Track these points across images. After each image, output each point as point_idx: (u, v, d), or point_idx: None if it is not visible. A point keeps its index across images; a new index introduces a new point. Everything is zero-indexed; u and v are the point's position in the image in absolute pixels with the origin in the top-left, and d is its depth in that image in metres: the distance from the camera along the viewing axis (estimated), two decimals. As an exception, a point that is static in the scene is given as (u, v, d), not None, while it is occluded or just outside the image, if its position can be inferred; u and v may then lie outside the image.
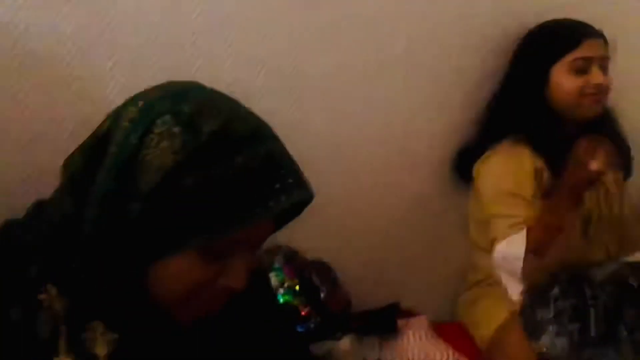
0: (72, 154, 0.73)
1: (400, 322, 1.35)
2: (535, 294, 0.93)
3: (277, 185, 0.69)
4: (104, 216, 0.67)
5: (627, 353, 0.88)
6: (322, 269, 1.35)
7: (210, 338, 0.80)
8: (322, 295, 1.27)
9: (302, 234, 1.31)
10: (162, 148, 0.66)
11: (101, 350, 0.72)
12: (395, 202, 1.55)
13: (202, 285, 0.71)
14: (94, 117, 0.74)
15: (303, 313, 1.23)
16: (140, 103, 0.70)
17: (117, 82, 1.21)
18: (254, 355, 0.84)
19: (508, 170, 1.46)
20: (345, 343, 1.21)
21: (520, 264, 1.10)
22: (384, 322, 1.32)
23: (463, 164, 1.58)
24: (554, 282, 0.91)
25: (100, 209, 0.67)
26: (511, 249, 1.32)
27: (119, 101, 0.74)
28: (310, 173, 0.76)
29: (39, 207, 0.75)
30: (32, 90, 1.15)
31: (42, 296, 0.71)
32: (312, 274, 1.30)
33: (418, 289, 1.54)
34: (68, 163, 0.73)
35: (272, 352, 0.87)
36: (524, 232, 1.28)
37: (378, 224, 1.53)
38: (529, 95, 1.48)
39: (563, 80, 1.44)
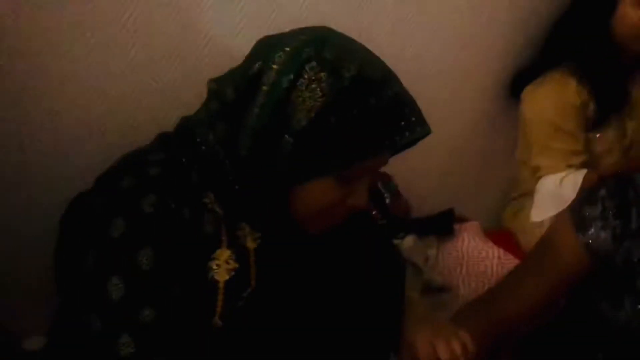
0: (219, 81, 0.86)
1: (455, 226, 1.49)
2: (585, 194, 1.05)
3: (402, 123, 0.82)
4: (258, 146, 0.80)
5: None
6: (385, 177, 1.49)
7: (328, 244, 0.94)
8: (386, 200, 1.42)
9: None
10: (311, 91, 0.78)
11: (251, 244, 0.88)
12: (453, 116, 1.63)
13: (334, 205, 0.85)
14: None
15: (372, 214, 1.39)
16: (287, 49, 0.80)
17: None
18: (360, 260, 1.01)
19: (552, 102, 1.51)
20: (408, 241, 1.37)
21: (565, 205, 1.11)
22: (441, 225, 1.46)
23: (517, 86, 1.64)
24: (602, 185, 1.03)
25: (255, 139, 0.80)
26: (561, 190, 1.42)
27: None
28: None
29: (186, 124, 0.88)
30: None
31: (205, 200, 0.85)
32: (378, 181, 1.44)
33: (471, 199, 1.68)
34: (217, 90, 0.85)
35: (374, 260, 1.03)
36: (579, 176, 1.37)
37: (437, 137, 1.64)
38: (593, 23, 1.48)
39: (629, 11, 1.44)
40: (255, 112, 0.79)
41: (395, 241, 1.36)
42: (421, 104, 0.87)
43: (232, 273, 0.84)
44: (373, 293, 1.01)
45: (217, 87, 0.86)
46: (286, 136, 0.78)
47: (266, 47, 0.84)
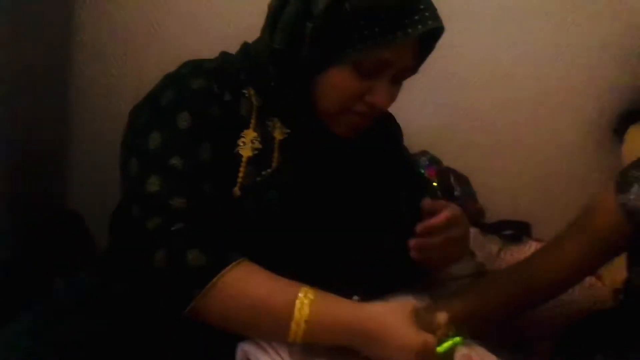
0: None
1: (525, 238, 1.46)
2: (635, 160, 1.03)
3: (416, 17, 0.89)
4: (288, 35, 0.91)
5: None
6: (461, 176, 1.52)
7: (353, 154, 1.02)
8: (455, 193, 1.45)
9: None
10: None
11: (278, 134, 0.98)
12: (547, 143, 1.67)
13: (353, 98, 0.93)
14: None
15: (437, 202, 1.42)
16: None
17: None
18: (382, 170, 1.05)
19: None
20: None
21: None
22: (510, 229, 1.45)
23: (622, 125, 1.61)
24: None
25: (286, 30, 0.91)
26: None
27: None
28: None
29: (245, 44, 1.03)
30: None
31: (244, 91, 0.98)
32: (451, 176, 1.48)
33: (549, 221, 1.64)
34: (270, 3, 0.97)
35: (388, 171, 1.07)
36: None
37: (529, 157, 1.67)
38: None
39: None
40: (288, 9, 0.91)
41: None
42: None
43: (256, 152, 0.94)
44: (387, 202, 1.04)
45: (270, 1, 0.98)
46: (308, 23, 0.89)
47: None
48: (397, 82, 0.96)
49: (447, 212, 0.93)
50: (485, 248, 1.35)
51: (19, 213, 1.24)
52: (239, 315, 0.84)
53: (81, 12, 1.47)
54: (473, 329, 0.95)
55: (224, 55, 1.03)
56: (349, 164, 1.02)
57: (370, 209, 1.02)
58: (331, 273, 0.91)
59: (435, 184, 1.45)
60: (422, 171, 1.46)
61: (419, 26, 0.88)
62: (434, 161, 1.50)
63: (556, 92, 1.65)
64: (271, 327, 0.83)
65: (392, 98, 0.97)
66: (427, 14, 0.90)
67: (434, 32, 0.93)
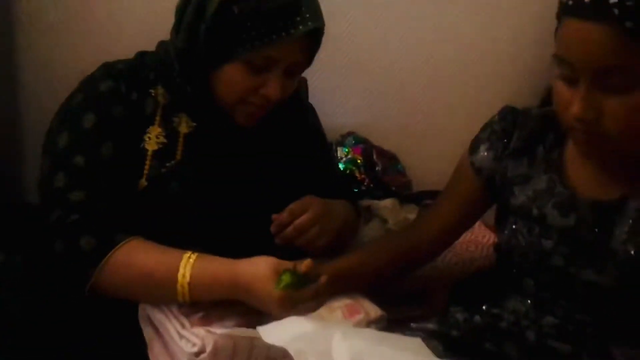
0: (178, 1, 1.10)
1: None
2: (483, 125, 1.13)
3: (298, 18, 1.01)
4: (187, 35, 1.04)
5: (538, 165, 1.03)
6: (385, 152, 1.65)
7: (259, 145, 1.14)
8: (377, 168, 1.58)
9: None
10: None
11: (184, 128, 1.10)
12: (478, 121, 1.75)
13: (247, 92, 1.05)
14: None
15: (358, 177, 1.56)
16: None
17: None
18: (289, 161, 1.17)
19: None
20: (386, 202, 1.49)
21: None
22: (430, 198, 1.57)
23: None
24: (498, 113, 1.11)
25: (185, 31, 1.04)
26: None
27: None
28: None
29: (161, 42, 1.15)
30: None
31: (151, 91, 1.10)
32: (374, 153, 1.61)
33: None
34: (177, 7, 1.09)
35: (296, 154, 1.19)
36: None
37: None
38: None
39: None
40: (187, 11, 1.04)
41: (371, 201, 1.50)
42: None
43: (161, 146, 1.07)
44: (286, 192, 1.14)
45: (178, 2, 1.09)
46: (202, 24, 1.01)
47: None
48: (290, 75, 1.08)
49: (290, 206, 1.07)
50: (401, 215, 1.48)
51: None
52: (132, 286, 0.98)
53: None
54: (357, 284, 1.09)
55: (140, 54, 1.15)
56: (253, 154, 1.13)
57: (270, 197, 1.12)
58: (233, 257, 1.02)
59: (359, 161, 1.59)
60: (346, 150, 1.59)
61: (300, 27, 1.01)
62: (359, 140, 1.64)
63: (483, 69, 1.76)
64: (161, 291, 0.97)
65: (286, 90, 1.08)
66: (307, 15, 1.02)
67: (316, 30, 1.05)
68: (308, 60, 1.11)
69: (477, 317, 1.06)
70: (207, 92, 1.07)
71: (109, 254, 0.96)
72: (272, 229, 1.07)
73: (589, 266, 0.96)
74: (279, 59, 1.03)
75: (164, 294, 0.97)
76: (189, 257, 0.97)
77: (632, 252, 0.93)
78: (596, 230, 0.96)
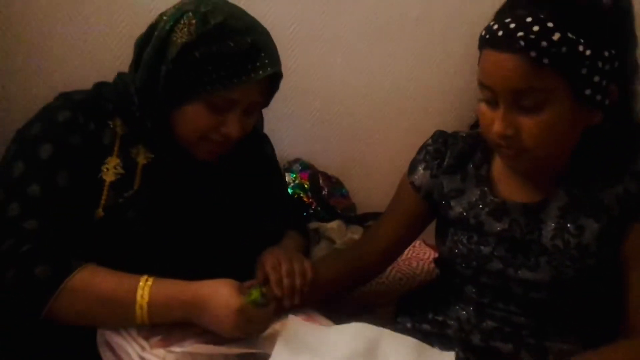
0: (137, 38, 1.12)
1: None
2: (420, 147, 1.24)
3: (258, 63, 1.05)
4: (146, 75, 1.06)
5: (470, 180, 1.14)
6: (331, 177, 1.72)
7: (216, 175, 1.16)
8: (324, 192, 1.64)
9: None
10: (182, 32, 1.04)
11: (142, 159, 1.11)
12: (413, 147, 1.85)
13: (208, 130, 1.08)
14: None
15: (306, 201, 1.62)
16: (177, 6, 1.09)
17: None
18: (245, 191, 1.20)
19: None
20: (333, 223, 1.56)
21: None
22: (373, 219, 1.64)
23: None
24: (431, 136, 1.22)
25: (145, 70, 1.06)
26: None
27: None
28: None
29: (119, 75, 1.15)
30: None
31: (109, 122, 1.11)
32: (320, 178, 1.67)
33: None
34: (135, 44, 1.12)
35: (256, 186, 1.23)
36: None
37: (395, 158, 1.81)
38: None
39: None
40: (147, 51, 1.07)
41: (319, 224, 1.56)
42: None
43: (118, 176, 1.08)
44: (249, 221, 1.20)
45: (137, 39, 1.12)
46: (163, 66, 1.04)
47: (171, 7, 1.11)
48: (249, 114, 1.12)
49: (266, 266, 1.11)
50: (347, 236, 1.54)
51: None
52: (90, 311, 0.99)
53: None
54: (309, 300, 1.14)
55: (98, 86, 1.16)
56: (210, 186, 1.16)
57: (226, 226, 1.16)
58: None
59: (306, 186, 1.65)
60: (294, 175, 1.66)
61: (260, 71, 1.04)
62: (306, 166, 1.70)
63: (417, 99, 1.85)
64: (120, 315, 0.99)
65: (246, 128, 1.12)
66: (267, 60, 1.06)
67: (275, 74, 1.09)
68: (267, 100, 1.15)
69: (424, 325, 1.14)
70: (167, 128, 1.09)
71: (66, 280, 0.96)
72: (279, 293, 1.09)
73: (524, 265, 1.05)
74: (239, 100, 1.07)
75: (123, 317, 0.99)
76: (146, 280, 1.00)
77: (562, 247, 1.03)
78: (527, 229, 1.06)
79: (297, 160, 1.72)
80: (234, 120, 1.08)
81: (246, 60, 1.04)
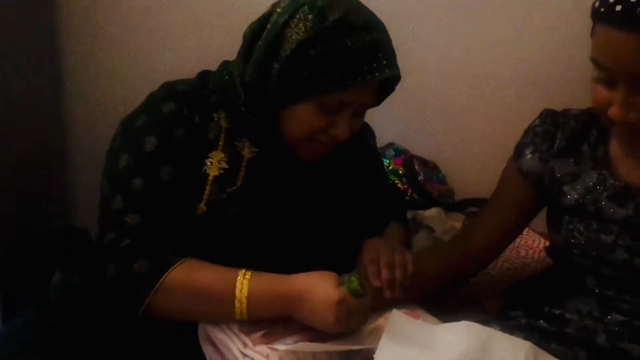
0: (247, 28, 1.07)
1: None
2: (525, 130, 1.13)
3: (375, 64, 0.98)
4: (258, 72, 1.01)
5: (585, 162, 1.03)
6: (427, 162, 1.64)
7: (319, 170, 1.12)
8: (419, 178, 1.58)
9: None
10: (298, 28, 0.97)
11: (247, 154, 1.08)
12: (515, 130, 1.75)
13: (316, 131, 1.03)
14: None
15: (401, 187, 1.55)
16: None
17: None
18: (346, 183, 1.16)
19: None
20: (431, 211, 1.49)
21: None
22: (474, 206, 1.56)
23: None
24: (539, 116, 1.11)
25: (256, 67, 1.01)
26: None
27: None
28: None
29: (223, 62, 1.13)
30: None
31: (214, 115, 1.08)
32: (415, 163, 1.61)
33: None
34: (244, 34, 1.07)
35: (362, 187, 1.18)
36: None
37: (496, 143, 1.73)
38: None
39: None
40: (259, 45, 1.00)
41: (417, 211, 1.50)
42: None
43: (222, 171, 1.06)
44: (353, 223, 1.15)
45: (247, 29, 1.08)
46: (275, 63, 0.98)
47: None
48: (359, 114, 1.07)
49: (365, 260, 1.07)
50: (447, 224, 1.47)
51: (23, 231, 1.41)
52: (189, 306, 0.98)
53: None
54: (411, 295, 1.09)
55: (202, 75, 1.13)
56: (313, 182, 1.12)
57: (327, 223, 1.12)
58: None
59: (400, 171, 1.59)
60: (387, 161, 1.60)
61: (376, 73, 0.98)
62: (399, 152, 1.64)
63: (520, 74, 1.73)
64: (219, 310, 0.97)
65: (354, 129, 1.07)
66: (384, 62, 0.99)
67: (392, 78, 1.03)
68: (380, 100, 1.10)
69: (540, 322, 1.05)
70: (273, 125, 1.05)
71: (164, 276, 0.96)
72: (378, 284, 1.05)
73: None
74: (351, 101, 1.02)
75: (222, 311, 0.98)
76: (245, 274, 0.97)
77: None
78: None
79: (390, 145, 1.66)
80: (343, 122, 1.03)
81: (363, 61, 0.97)
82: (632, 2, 0.80)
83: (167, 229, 1.01)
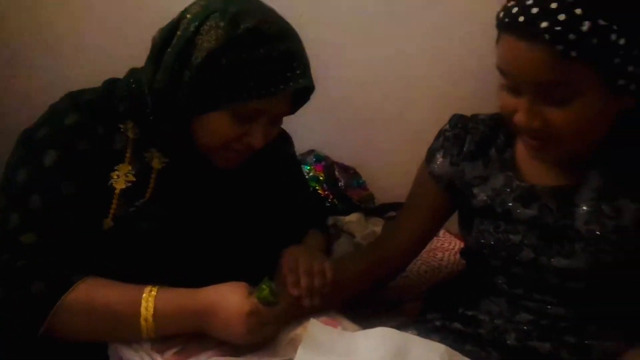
0: (156, 33, 1.03)
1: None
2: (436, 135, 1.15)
3: (288, 74, 0.95)
4: (168, 79, 0.97)
5: (493, 165, 1.06)
6: (346, 168, 1.65)
7: (234, 178, 1.08)
8: (340, 184, 1.58)
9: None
10: (209, 35, 0.93)
11: (156, 164, 1.04)
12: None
13: (230, 140, 1.00)
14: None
15: (322, 193, 1.56)
16: (202, 3, 0.98)
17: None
18: (264, 192, 1.13)
19: None
20: (352, 216, 1.50)
21: None
22: (393, 210, 1.58)
23: None
24: (448, 121, 1.13)
25: (166, 74, 0.97)
26: None
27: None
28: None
29: (131, 69, 1.08)
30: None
31: (120, 125, 1.04)
32: (336, 169, 1.61)
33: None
34: (153, 39, 1.03)
35: (281, 192, 1.16)
36: None
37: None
38: None
39: None
40: (169, 52, 0.96)
41: (337, 218, 1.50)
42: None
43: (129, 184, 1.01)
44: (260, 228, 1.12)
45: (156, 35, 1.04)
46: (186, 71, 0.95)
47: (193, 2, 1.02)
48: (275, 123, 1.04)
49: (285, 267, 1.04)
50: (368, 229, 1.48)
51: None
52: (93, 326, 0.93)
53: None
54: (330, 301, 1.08)
55: (109, 83, 1.07)
56: (229, 191, 1.09)
57: (247, 236, 1.10)
58: None
59: (321, 178, 1.59)
60: (308, 167, 1.59)
61: (291, 83, 0.96)
62: (320, 158, 1.64)
63: (436, 83, 1.77)
64: (125, 329, 0.93)
65: (270, 137, 1.04)
66: (298, 72, 0.97)
67: (306, 88, 1.01)
68: (295, 109, 1.08)
69: (455, 324, 1.07)
70: (186, 134, 1.01)
71: (64, 296, 0.90)
72: (296, 293, 1.01)
73: (558, 253, 0.98)
74: (266, 110, 0.99)
75: (128, 330, 0.93)
76: (151, 290, 0.94)
77: (598, 231, 0.95)
78: (559, 214, 0.99)
79: (311, 152, 1.66)
80: (258, 131, 1.00)
81: (277, 71, 0.95)
82: (535, 14, 0.82)
83: (67, 247, 0.96)
